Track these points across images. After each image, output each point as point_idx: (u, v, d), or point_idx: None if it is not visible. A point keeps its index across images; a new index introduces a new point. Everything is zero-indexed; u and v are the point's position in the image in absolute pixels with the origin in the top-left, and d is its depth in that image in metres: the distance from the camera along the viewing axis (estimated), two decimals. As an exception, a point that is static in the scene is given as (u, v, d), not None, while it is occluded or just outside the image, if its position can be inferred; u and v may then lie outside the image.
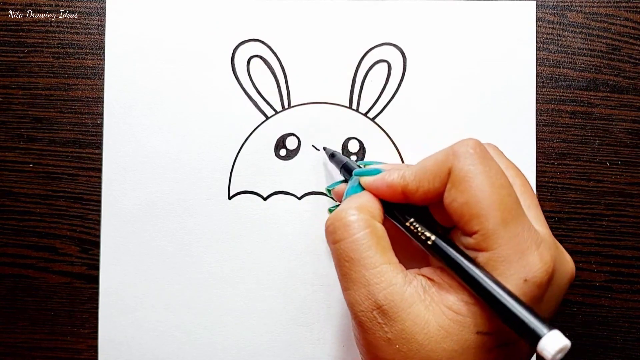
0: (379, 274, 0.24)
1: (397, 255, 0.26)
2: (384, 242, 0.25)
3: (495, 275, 0.23)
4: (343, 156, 0.33)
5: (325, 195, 0.36)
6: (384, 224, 0.27)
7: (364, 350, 0.25)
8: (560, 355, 0.19)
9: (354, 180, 0.29)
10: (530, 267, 0.22)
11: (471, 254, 0.24)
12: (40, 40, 0.37)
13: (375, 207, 0.27)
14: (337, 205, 0.33)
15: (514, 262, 0.22)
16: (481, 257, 0.23)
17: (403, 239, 0.27)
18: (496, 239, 0.23)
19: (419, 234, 0.25)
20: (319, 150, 0.35)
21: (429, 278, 0.25)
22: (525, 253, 0.22)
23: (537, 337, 0.20)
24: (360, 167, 0.31)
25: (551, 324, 0.20)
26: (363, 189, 0.28)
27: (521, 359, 0.24)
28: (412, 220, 0.26)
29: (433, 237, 0.25)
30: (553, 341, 0.19)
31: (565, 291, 0.25)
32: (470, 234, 0.23)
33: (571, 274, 0.25)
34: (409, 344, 0.23)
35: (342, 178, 0.33)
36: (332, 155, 0.34)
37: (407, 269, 0.26)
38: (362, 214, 0.26)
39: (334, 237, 0.26)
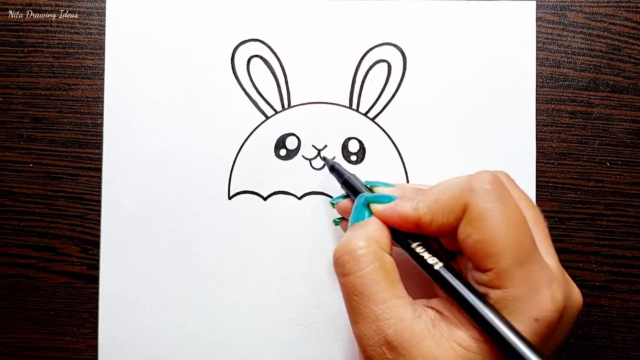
0: (388, 309, 0.24)
1: (404, 279, 0.25)
2: (393, 275, 0.25)
3: (506, 314, 0.23)
4: (344, 169, 0.33)
5: (325, 195, 0.36)
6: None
7: None
8: None
9: (360, 203, 0.28)
10: (542, 307, 0.22)
11: (482, 289, 0.24)
12: (40, 40, 0.37)
13: (384, 236, 0.26)
14: (342, 218, 0.33)
15: (526, 301, 0.23)
16: (493, 294, 0.23)
17: (411, 262, 0.27)
18: (510, 278, 0.23)
19: (424, 261, 0.25)
20: (322, 159, 0.36)
21: (437, 310, 0.25)
22: (538, 292, 0.23)
23: None
24: (367, 187, 0.30)
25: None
26: (369, 211, 0.28)
27: None
28: (417, 244, 0.26)
29: (437, 267, 0.25)
30: None
31: (572, 324, 0.25)
32: (483, 271, 0.23)
33: (579, 307, 0.25)
34: None
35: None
36: (332, 168, 0.33)
37: (414, 294, 0.25)
38: (370, 246, 0.25)
39: (343, 270, 0.25)
